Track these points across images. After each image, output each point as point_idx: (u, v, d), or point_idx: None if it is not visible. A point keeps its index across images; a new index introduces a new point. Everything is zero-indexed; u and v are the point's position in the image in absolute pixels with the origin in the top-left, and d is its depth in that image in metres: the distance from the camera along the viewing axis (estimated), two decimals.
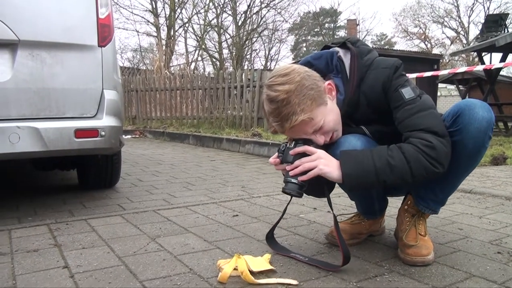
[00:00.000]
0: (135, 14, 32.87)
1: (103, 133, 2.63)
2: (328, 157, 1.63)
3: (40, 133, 2.43)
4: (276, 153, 1.75)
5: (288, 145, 1.71)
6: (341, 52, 1.78)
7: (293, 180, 1.65)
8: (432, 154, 1.54)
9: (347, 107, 1.75)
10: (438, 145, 1.54)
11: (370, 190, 1.88)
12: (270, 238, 1.95)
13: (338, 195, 2.95)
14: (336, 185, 1.84)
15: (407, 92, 1.63)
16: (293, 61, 23.44)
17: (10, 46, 2.42)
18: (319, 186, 1.74)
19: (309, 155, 1.64)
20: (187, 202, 2.98)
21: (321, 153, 1.63)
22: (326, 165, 1.60)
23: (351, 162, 1.58)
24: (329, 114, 1.66)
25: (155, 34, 24.05)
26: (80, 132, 2.56)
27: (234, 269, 1.57)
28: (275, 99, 1.57)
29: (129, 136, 9.25)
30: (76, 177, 3.67)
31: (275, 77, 1.61)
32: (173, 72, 14.07)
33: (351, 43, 1.80)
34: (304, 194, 1.73)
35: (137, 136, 9.57)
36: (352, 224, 2.04)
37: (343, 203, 2.79)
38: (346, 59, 1.76)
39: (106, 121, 2.68)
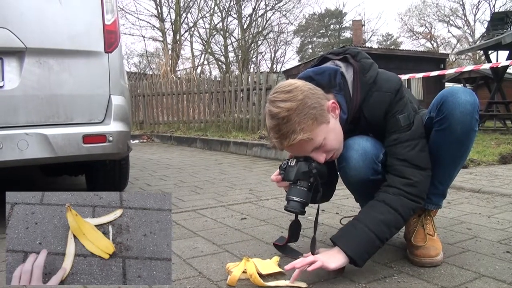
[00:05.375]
0: (140, 20, 32.90)
1: (111, 138, 2.65)
2: (328, 254, 1.59)
3: (48, 140, 2.45)
4: (278, 170, 1.75)
5: (289, 163, 1.70)
6: (343, 67, 1.74)
7: (295, 198, 1.65)
8: (413, 191, 1.63)
9: (349, 125, 1.74)
10: (418, 180, 1.64)
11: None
12: (277, 245, 1.94)
13: (346, 196, 2.96)
14: (343, 186, 1.84)
15: (403, 119, 1.66)
16: (299, 63, 23.39)
17: (17, 54, 2.44)
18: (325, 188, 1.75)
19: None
20: (195, 205, 2.99)
21: (320, 256, 1.57)
22: (330, 261, 1.56)
23: (353, 244, 1.57)
24: (331, 133, 1.63)
25: (161, 39, 24.11)
26: (88, 138, 2.57)
27: (243, 272, 1.58)
28: (276, 116, 1.55)
29: (136, 141, 9.28)
30: (85, 182, 3.69)
31: (278, 93, 1.58)
32: (179, 76, 14.12)
33: (351, 55, 1.75)
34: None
35: (144, 140, 9.59)
36: None
37: (351, 205, 2.78)
38: (349, 76, 1.72)
39: (113, 126, 2.69)
